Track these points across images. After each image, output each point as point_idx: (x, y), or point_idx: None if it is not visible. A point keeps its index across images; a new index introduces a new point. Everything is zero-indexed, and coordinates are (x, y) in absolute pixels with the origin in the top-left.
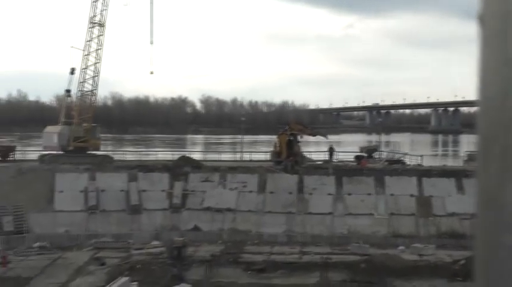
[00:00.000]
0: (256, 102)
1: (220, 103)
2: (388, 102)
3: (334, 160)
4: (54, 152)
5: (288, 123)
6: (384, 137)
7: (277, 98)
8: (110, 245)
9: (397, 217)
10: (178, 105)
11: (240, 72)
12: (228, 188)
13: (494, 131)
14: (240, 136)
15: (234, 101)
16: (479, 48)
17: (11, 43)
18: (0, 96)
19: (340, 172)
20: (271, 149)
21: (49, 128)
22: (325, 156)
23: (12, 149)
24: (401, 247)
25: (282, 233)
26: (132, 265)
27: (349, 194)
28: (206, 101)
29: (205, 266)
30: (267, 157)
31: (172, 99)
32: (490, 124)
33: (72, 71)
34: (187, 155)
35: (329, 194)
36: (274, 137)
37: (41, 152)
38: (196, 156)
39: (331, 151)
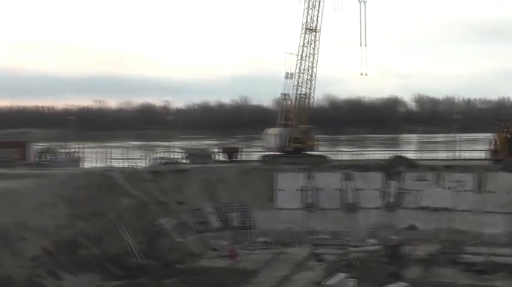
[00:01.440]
0: (470, 99)
1: (433, 101)
2: None
3: None
4: (274, 153)
5: (505, 120)
6: None
7: (493, 95)
8: (327, 242)
9: None
10: (391, 105)
11: (452, 69)
12: (444, 187)
13: None
14: (454, 134)
15: (448, 99)
16: None
17: (235, 51)
18: (226, 101)
19: None
20: (489, 147)
21: (269, 130)
22: None
23: (236, 150)
24: None
25: (502, 234)
26: (349, 262)
27: None
28: (419, 100)
29: (422, 266)
30: (485, 155)
31: (385, 99)
32: None
33: (288, 76)
34: (402, 155)
35: None
36: (491, 135)
37: (262, 152)
38: (410, 155)
39: None
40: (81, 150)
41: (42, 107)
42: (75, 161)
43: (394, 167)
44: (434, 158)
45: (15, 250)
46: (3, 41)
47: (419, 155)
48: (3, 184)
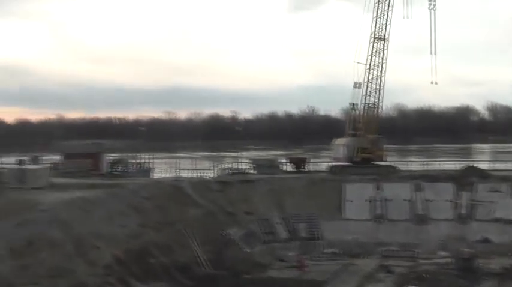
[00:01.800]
0: None
1: (507, 110)
2: None
3: None
4: (342, 163)
5: None
6: None
7: None
8: (396, 254)
9: None
10: (462, 114)
11: None
12: None
13: None
14: None
15: None
16: None
17: (303, 61)
18: (294, 111)
19: None
20: None
21: (337, 141)
22: None
23: (304, 160)
24: None
25: None
26: (419, 275)
27: None
28: (492, 109)
29: (496, 280)
30: None
31: (456, 107)
32: None
33: (356, 85)
34: (474, 165)
35: None
36: None
37: (329, 163)
38: (483, 165)
39: None
40: (151, 160)
41: (114, 118)
42: (146, 171)
43: (466, 178)
44: (508, 168)
45: (88, 258)
46: (78, 55)
47: (492, 165)
48: (77, 194)
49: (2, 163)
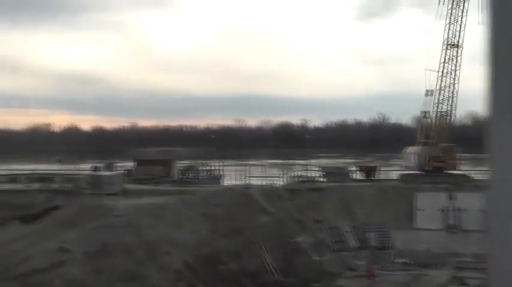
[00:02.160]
0: None
1: None
2: None
3: None
4: (414, 172)
5: None
6: None
7: None
8: (471, 265)
9: None
10: None
11: None
12: None
13: None
14: None
15: None
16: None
17: (374, 69)
18: (364, 119)
19: None
20: None
21: (408, 149)
22: None
23: (374, 168)
24: None
25: None
26: None
27: None
28: None
29: None
30: None
31: None
32: None
33: (428, 93)
34: None
35: None
36: None
37: (400, 171)
38: None
39: None
40: (221, 168)
41: (185, 126)
42: (216, 178)
43: None
44: None
45: (159, 263)
46: (150, 64)
47: None
48: (149, 200)
49: (79, 170)
